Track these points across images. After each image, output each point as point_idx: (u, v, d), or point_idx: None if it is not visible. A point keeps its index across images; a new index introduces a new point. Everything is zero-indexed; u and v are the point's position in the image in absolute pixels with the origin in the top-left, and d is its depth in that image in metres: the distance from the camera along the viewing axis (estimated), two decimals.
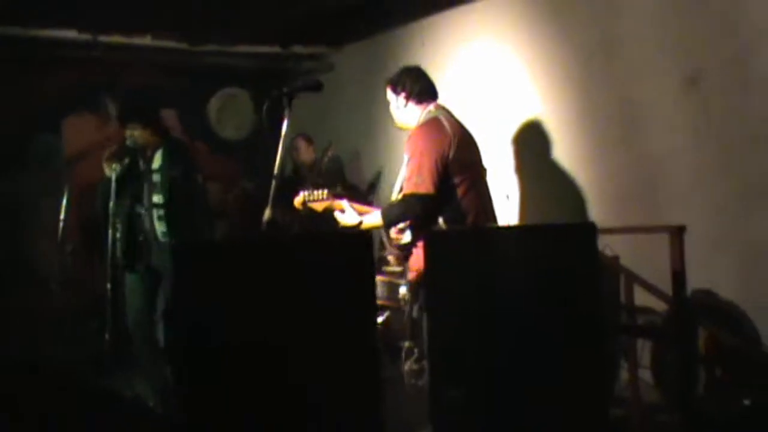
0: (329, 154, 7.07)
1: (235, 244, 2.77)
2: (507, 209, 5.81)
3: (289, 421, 2.34)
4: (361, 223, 4.94)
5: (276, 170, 3.73)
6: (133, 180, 5.78)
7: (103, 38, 7.40)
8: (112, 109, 8.36)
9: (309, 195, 5.14)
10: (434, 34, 6.92)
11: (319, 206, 5.17)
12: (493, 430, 2.80)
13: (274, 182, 3.71)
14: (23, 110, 7.88)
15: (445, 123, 4.65)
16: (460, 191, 4.57)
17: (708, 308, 4.57)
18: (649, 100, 5.09)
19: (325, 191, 5.16)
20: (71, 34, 7.22)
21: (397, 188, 5.80)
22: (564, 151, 5.71)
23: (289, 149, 7.60)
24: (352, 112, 8.10)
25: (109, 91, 8.39)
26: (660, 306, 4.56)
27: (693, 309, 4.57)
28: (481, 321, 2.78)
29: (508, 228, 3.79)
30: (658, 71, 5.01)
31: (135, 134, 5.77)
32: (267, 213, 3.72)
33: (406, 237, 4.85)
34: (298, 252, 2.43)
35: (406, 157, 4.68)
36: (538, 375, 2.87)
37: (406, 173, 4.67)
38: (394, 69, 7.16)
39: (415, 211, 4.52)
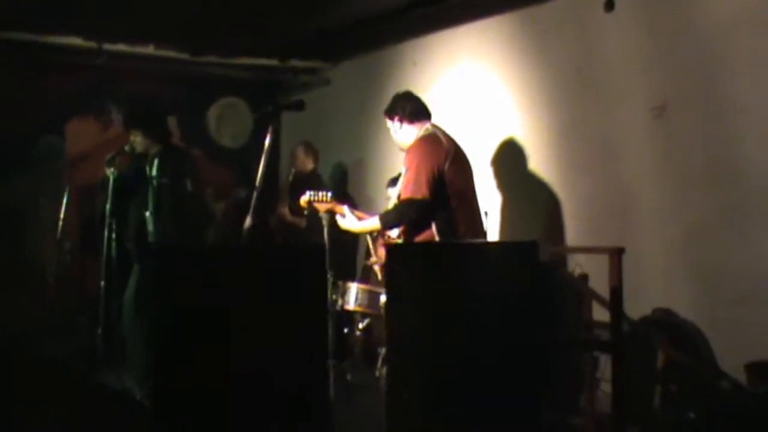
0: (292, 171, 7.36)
1: (197, 250, 3.01)
2: (488, 225, 6.05)
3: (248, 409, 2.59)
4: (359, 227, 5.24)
5: (257, 182, 3.97)
6: (141, 184, 6.06)
7: (108, 46, 7.61)
8: (115, 114, 8.64)
9: (314, 195, 5.41)
10: (425, 54, 7.17)
11: (322, 207, 5.45)
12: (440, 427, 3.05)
13: (255, 193, 3.95)
14: (29, 112, 8.13)
15: (442, 137, 4.97)
16: (453, 202, 4.86)
17: (667, 326, 4.80)
18: (620, 128, 5.33)
19: (329, 194, 5.43)
20: (77, 41, 7.44)
21: (394, 198, 6.10)
22: (541, 172, 5.93)
23: (290, 157, 7.85)
24: (346, 124, 8.35)
25: (113, 96, 8.66)
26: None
27: (652, 326, 4.82)
28: (433, 327, 3.03)
29: (461, 244, 4.03)
30: (629, 100, 5.25)
31: (136, 140, 6.05)
32: (248, 221, 3.96)
33: (394, 233, 5.14)
34: (261, 259, 2.69)
35: (404, 169, 4.98)
36: (481, 379, 3.12)
37: (403, 182, 4.95)
38: (387, 85, 7.50)
39: (410, 215, 4.83)
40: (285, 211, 7.55)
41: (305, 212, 6.75)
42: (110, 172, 5.93)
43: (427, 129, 5.08)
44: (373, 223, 5.12)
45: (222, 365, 2.54)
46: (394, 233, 5.28)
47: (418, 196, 4.77)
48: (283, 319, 2.60)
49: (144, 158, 6.10)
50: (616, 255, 3.52)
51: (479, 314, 3.12)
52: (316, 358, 2.75)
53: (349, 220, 5.28)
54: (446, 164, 4.85)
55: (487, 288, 3.11)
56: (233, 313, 2.52)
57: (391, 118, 5.22)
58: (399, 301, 3.13)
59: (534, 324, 3.22)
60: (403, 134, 5.17)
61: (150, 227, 6.00)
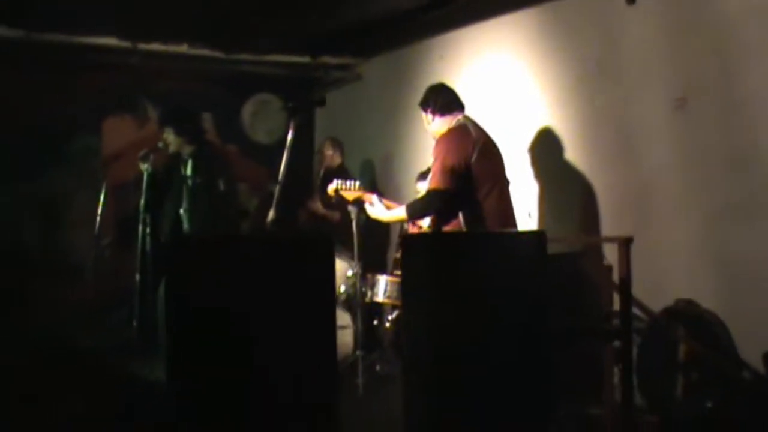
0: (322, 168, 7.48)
1: (217, 241, 3.13)
2: (528, 222, 6.12)
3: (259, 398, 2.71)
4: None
5: (281, 176, 4.08)
6: (174, 181, 6.21)
7: (143, 46, 7.79)
8: (150, 112, 8.82)
9: (341, 184, 5.52)
10: (452, 48, 7.25)
11: (349, 195, 5.56)
12: (451, 413, 3.14)
13: (278, 187, 4.05)
14: (65, 111, 8.34)
15: (471, 129, 5.02)
16: (481, 194, 4.90)
17: (689, 317, 4.84)
18: (642, 119, 5.36)
19: (357, 182, 5.53)
20: (112, 41, 7.62)
21: (423, 192, 6.17)
22: (569, 163, 5.98)
23: (317, 154, 7.95)
24: (379, 119, 8.46)
25: (148, 95, 8.85)
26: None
27: (674, 317, 4.86)
28: (445, 315, 3.12)
29: (469, 234, 4.10)
30: (650, 91, 5.29)
31: (168, 138, 6.18)
32: (271, 213, 4.08)
33: (425, 223, 5.24)
34: (274, 250, 2.80)
35: (432, 160, 5.01)
36: (496, 369, 3.21)
37: (431, 172, 5.00)
38: (416, 80, 7.59)
39: (435, 206, 4.89)
40: (318, 204, 7.68)
41: (334, 203, 6.89)
42: (144, 168, 6.08)
43: (458, 120, 5.12)
44: (400, 212, 5.20)
45: (232, 354, 2.65)
46: (425, 223, 5.37)
47: (443, 187, 4.83)
48: (290, 308, 2.70)
49: (178, 156, 6.24)
50: (625, 244, 3.57)
51: (491, 304, 3.20)
52: (324, 348, 2.84)
53: (377, 209, 5.37)
54: (474, 156, 4.89)
55: (499, 278, 3.19)
56: (239, 303, 2.63)
57: (424, 110, 5.27)
58: (412, 291, 3.23)
59: (547, 314, 3.29)
60: (436, 126, 5.21)
61: (185, 224, 6.13)
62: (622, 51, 5.54)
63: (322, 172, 8.01)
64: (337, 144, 8.00)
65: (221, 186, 6.05)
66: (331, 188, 5.57)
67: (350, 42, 8.10)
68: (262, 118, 9.40)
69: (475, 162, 4.89)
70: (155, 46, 7.88)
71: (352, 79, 8.95)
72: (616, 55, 5.59)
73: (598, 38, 5.75)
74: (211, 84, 8.96)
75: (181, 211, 6.13)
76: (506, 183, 5.16)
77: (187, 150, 6.15)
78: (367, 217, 5.55)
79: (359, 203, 5.60)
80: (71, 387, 4.67)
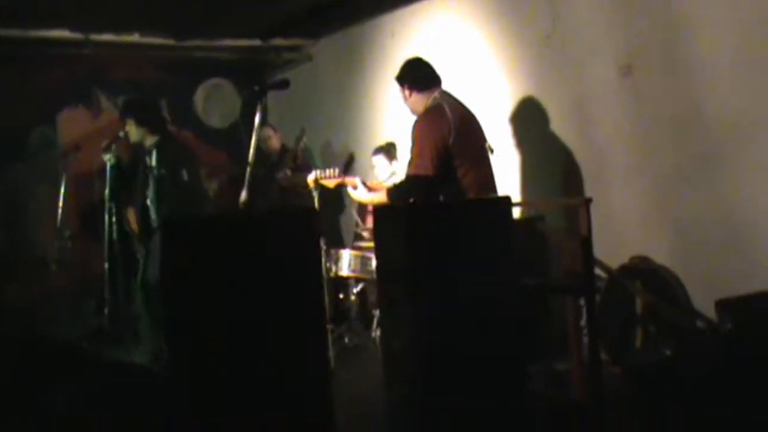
0: (304, 139, 7.46)
1: (211, 221, 3.28)
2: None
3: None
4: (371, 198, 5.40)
5: (250, 158, 4.20)
6: (138, 171, 6.28)
7: (94, 36, 7.83)
8: (104, 102, 8.86)
9: (321, 173, 5.60)
10: (403, 25, 7.40)
11: (331, 183, 5.63)
12: (428, 375, 3.35)
13: (248, 168, 4.18)
14: (20, 105, 8.34)
15: (447, 109, 4.99)
16: (460, 172, 4.92)
17: (644, 272, 5.09)
18: (592, 88, 5.59)
19: (337, 170, 5.62)
20: (64, 33, 7.65)
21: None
22: (525, 132, 6.21)
23: (261, 142, 7.96)
24: (328, 100, 8.60)
25: (101, 86, 8.88)
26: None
27: (630, 273, 5.11)
28: (416, 281, 3.32)
29: (440, 204, 4.26)
30: (598, 61, 5.51)
31: (130, 130, 6.23)
32: (243, 195, 4.20)
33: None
34: (261, 226, 2.96)
35: (410, 143, 5.05)
36: (468, 331, 3.42)
37: (410, 156, 5.03)
38: (367, 58, 7.72)
39: (416, 191, 4.89)
40: (286, 173, 7.64)
41: (301, 165, 6.97)
42: (107, 158, 6.14)
43: (434, 98, 5.09)
44: (382, 197, 5.24)
45: (224, 329, 2.81)
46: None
47: (422, 172, 4.86)
48: (279, 281, 2.86)
49: (140, 147, 6.31)
50: (585, 205, 3.79)
51: (464, 269, 3.39)
52: (314, 320, 3.00)
53: (360, 192, 5.44)
54: (451, 138, 4.88)
55: (469, 243, 3.38)
56: (234, 280, 2.79)
57: (401, 85, 5.22)
58: (385, 261, 3.43)
59: (515, 275, 3.50)
60: (413, 103, 5.19)
61: (153, 214, 6.21)
62: (569, 22, 5.74)
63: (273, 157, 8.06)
64: (275, 128, 8.08)
65: (185, 175, 6.12)
66: (310, 179, 5.65)
67: (300, 23, 8.18)
68: (215, 102, 9.45)
69: (453, 143, 4.89)
70: (107, 37, 7.91)
71: (303, 60, 9.05)
72: (563, 27, 5.79)
73: (545, 10, 5.93)
74: (164, 71, 9.01)
75: (148, 201, 6.21)
76: (486, 153, 5.16)
77: (149, 140, 6.20)
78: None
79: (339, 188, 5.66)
80: (55, 375, 4.74)
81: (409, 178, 4.98)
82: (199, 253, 2.76)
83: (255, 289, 2.84)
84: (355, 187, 5.46)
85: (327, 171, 5.59)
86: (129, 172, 6.35)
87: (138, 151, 6.34)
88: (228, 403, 2.85)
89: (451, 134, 4.90)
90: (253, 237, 2.88)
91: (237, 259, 2.82)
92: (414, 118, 5.19)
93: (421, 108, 5.14)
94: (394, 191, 5.13)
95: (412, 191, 4.91)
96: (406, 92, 5.21)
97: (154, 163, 6.14)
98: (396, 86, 5.26)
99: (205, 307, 2.75)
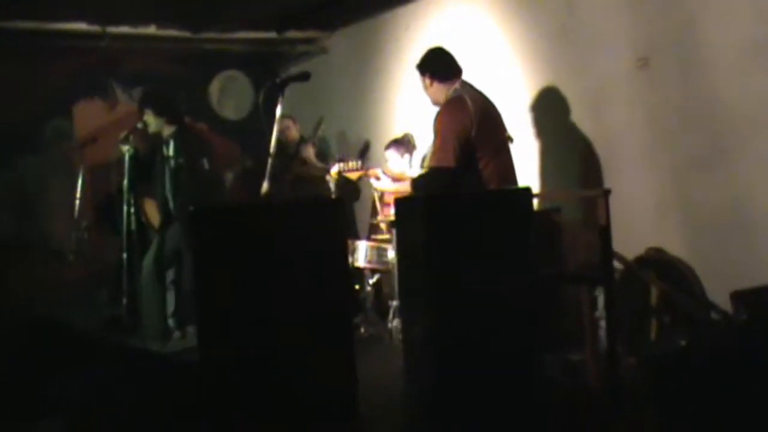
0: (322, 127, 7.45)
1: (238, 209, 3.33)
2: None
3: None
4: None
5: (272, 149, 4.26)
6: (156, 161, 6.35)
7: (111, 29, 7.88)
8: (119, 95, 8.93)
9: (344, 166, 5.62)
10: (418, 18, 7.42)
11: (354, 175, 5.66)
12: (447, 363, 3.40)
13: (270, 159, 4.24)
14: (36, 97, 8.42)
15: (468, 100, 4.99)
16: (482, 163, 4.95)
17: (659, 263, 5.12)
18: (608, 79, 5.60)
19: (359, 162, 5.64)
20: (81, 26, 7.71)
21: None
22: (541, 122, 6.22)
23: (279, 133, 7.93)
24: (342, 92, 8.63)
25: (116, 77, 8.94)
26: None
27: (645, 264, 5.14)
28: (435, 271, 3.36)
29: (461, 195, 4.28)
30: (614, 53, 5.53)
31: (148, 120, 6.30)
32: (265, 186, 4.25)
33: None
34: (285, 214, 3.02)
35: (432, 134, 5.05)
36: (487, 320, 3.46)
37: (431, 148, 5.06)
38: (382, 51, 7.74)
39: (439, 182, 4.90)
40: (309, 157, 7.63)
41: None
42: (126, 149, 6.20)
43: (455, 90, 5.09)
44: (405, 187, 5.26)
45: (258, 318, 2.87)
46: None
47: (445, 164, 4.86)
48: (305, 270, 2.91)
49: (158, 138, 6.38)
50: (603, 196, 3.83)
51: (480, 259, 3.44)
52: (339, 311, 3.05)
53: (384, 182, 5.46)
54: (473, 130, 4.89)
55: (487, 234, 3.43)
56: (263, 267, 2.84)
57: (422, 74, 5.20)
58: (405, 251, 3.48)
59: (534, 265, 3.54)
60: (433, 92, 5.17)
61: (170, 204, 6.30)
62: (585, 13, 5.77)
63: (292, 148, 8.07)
64: (293, 120, 8.08)
65: (206, 165, 6.18)
66: (333, 172, 5.68)
67: (315, 15, 8.22)
68: (230, 94, 9.51)
69: (475, 135, 4.90)
70: (124, 29, 7.95)
71: (318, 52, 9.09)
72: (579, 17, 5.81)
73: (561, 0, 5.95)
74: (179, 64, 9.06)
75: (166, 192, 6.28)
76: (506, 143, 5.18)
77: (167, 131, 6.28)
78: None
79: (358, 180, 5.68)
80: (71, 364, 4.80)
81: (432, 170, 4.98)
82: (229, 242, 2.81)
83: (282, 278, 2.89)
84: (378, 178, 5.49)
85: (350, 163, 5.62)
86: (146, 163, 6.41)
87: (155, 142, 6.40)
88: (253, 390, 2.90)
89: (473, 126, 4.90)
90: (281, 226, 2.93)
91: (264, 248, 2.87)
92: (432, 107, 5.23)
93: (441, 98, 5.14)
94: (417, 182, 5.15)
95: (435, 183, 4.92)
96: (427, 81, 5.19)
97: (171, 152, 6.21)
98: (411, 77, 5.29)
99: (233, 296, 2.81)
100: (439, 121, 5.01)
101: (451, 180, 4.88)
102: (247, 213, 3.04)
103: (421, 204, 3.52)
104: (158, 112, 6.25)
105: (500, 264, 3.47)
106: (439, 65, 5.19)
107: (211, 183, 6.41)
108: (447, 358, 3.43)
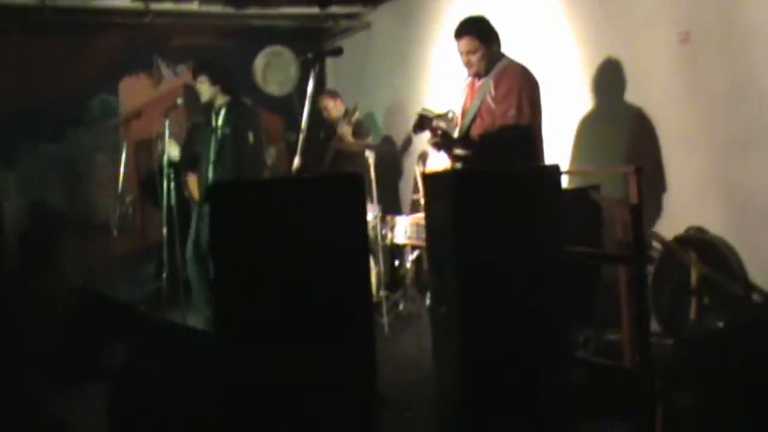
0: (356, 114, 7.39)
1: (260, 184, 3.34)
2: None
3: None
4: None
5: (303, 125, 4.24)
6: (206, 135, 6.36)
7: (155, 5, 7.95)
8: (164, 70, 9.00)
9: (430, 111, 5.22)
10: None
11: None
12: (474, 342, 3.38)
13: (301, 135, 4.23)
14: (82, 73, 8.54)
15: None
16: (536, 132, 4.94)
17: (699, 243, 5.03)
18: (648, 55, 5.49)
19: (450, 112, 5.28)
20: (125, 2, 7.80)
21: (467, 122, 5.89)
22: (581, 99, 6.12)
23: (319, 110, 7.91)
24: (386, 67, 8.60)
25: (160, 53, 9.01)
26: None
27: (685, 244, 5.05)
28: (463, 248, 3.34)
29: (489, 171, 4.20)
30: (655, 28, 5.41)
31: (202, 88, 6.31)
32: (296, 161, 4.25)
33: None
34: (309, 190, 3.01)
35: (496, 90, 4.91)
36: (518, 298, 3.43)
37: (501, 107, 4.88)
38: (424, 25, 7.67)
39: (523, 144, 4.81)
40: (345, 134, 7.46)
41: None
42: (168, 124, 6.21)
43: (508, 59, 5.06)
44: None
45: (276, 294, 2.87)
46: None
47: (523, 122, 4.81)
48: (323, 246, 2.90)
49: (209, 108, 6.38)
50: (635, 174, 3.75)
51: (514, 237, 3.40)
52: (358, 286, 3.04)
53: (441, 157, 5.22)
54: (538, 96, 4.94)
55: (515, 211, 3.39)
56: (282, 244, 2.84)
57: (482, 41, 5.00)
58: (434, 228, 3.46)
59: (563, 243, 3.49)
60: (479, 58, 4.99)
61: (210, 175, 6.27)
62: None
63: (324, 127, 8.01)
64: (336, 95, 8.01)
65: (251, 139, 6.18)
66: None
67: None
68: (274, 70, 9.51)
69: (539, 104, 4.94)
70: (167, 5, 8.01)
71: (362, 27, 9.06)
72: None
73: None
74: (223, 39, 9.09)
75: (209, 165, 6.28)
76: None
77: (221, 100, 6.28)
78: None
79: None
80: (113, 335, 4.88)
81: (516, 128, 4.83)
82: (245, 217, 2.81)
83: (299, 254, 2.89)
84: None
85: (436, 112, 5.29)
86: (190, 138, 6.44)
87: (207, 112, 6.40)
88: (271, 367, 2.91)
89: (538, 93, 4.95)
90: (297, 201, 2.92)
91: (281, 223, 2.86)
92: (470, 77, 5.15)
93: (484, 67, 5.03)
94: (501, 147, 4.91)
95: (519, 145, 4.80)
96: (483, 49, 5.00)
97: (220, 122, 6.22)
98: (457, 51, 5.14)
99: (250, 271, 2.81)
100: (514, 81, 4.89)
101: (532, 146, 4.85)
102: (259, 188, 3.04)
103: (449, 180, 3.49)
104: (213, 80, 6.24)
105: (528, 241, 3.42)
106: (495, 33, 5.10)
107: (254, 157, 6.41)
108: (474, 336, 3.40)
